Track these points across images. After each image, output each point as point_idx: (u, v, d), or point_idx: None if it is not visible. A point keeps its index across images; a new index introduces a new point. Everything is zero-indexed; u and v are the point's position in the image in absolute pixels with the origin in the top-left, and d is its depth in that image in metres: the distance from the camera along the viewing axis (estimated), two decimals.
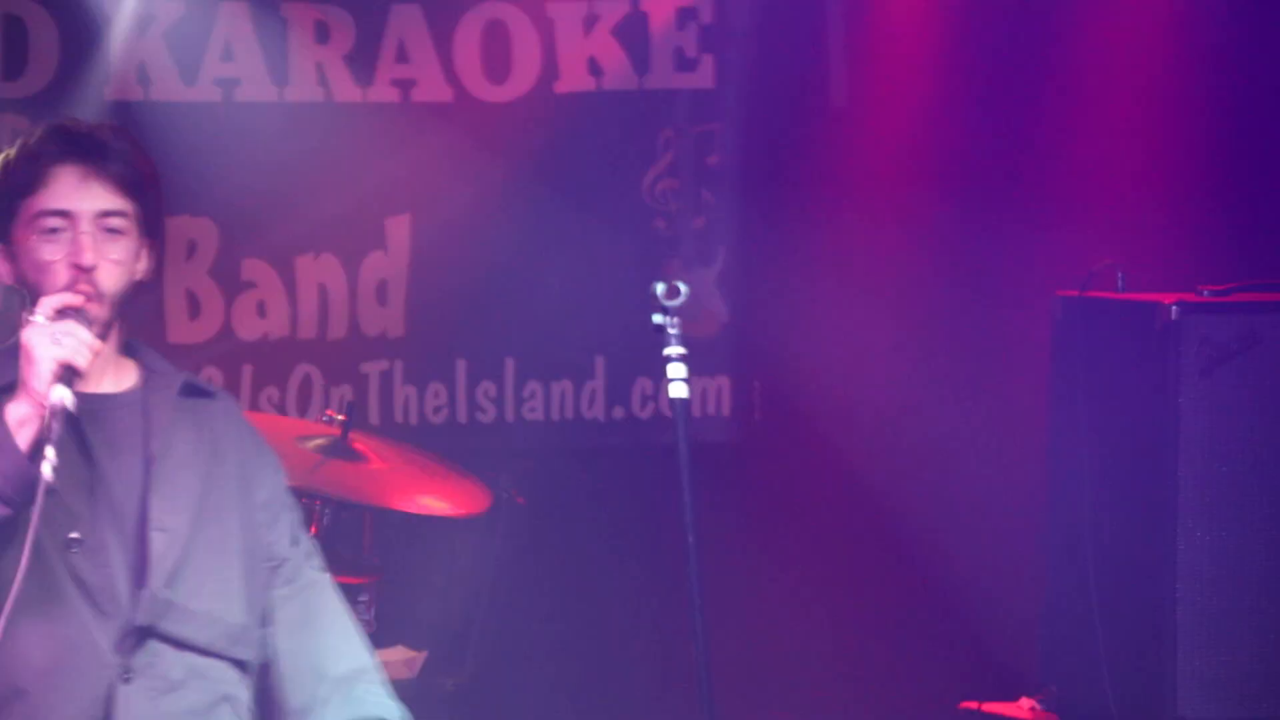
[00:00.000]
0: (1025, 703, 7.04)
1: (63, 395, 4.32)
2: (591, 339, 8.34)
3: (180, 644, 4.40)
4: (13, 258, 4.57)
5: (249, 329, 7.98)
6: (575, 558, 8.43)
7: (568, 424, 8.33)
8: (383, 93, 8.32)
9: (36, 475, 4.19)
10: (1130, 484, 6.92)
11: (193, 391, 4.63)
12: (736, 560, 8.14)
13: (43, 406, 4.30)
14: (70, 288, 4.25)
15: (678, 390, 5.17)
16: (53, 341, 4.35)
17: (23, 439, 4.37)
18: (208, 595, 4.51)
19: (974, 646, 8.04)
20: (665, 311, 4.71)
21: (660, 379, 5.04)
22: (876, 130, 8.96)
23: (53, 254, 4.47)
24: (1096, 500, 7.02)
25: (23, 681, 4.60)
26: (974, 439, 8.54)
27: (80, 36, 8.13)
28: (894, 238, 8.85)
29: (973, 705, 6.95)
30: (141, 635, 4.48)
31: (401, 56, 8.38)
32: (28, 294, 4.61)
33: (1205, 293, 6.98)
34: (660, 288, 5.21)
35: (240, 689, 4.57)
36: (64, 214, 4.47)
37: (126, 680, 4.44)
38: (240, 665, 4.52)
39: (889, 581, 8.56)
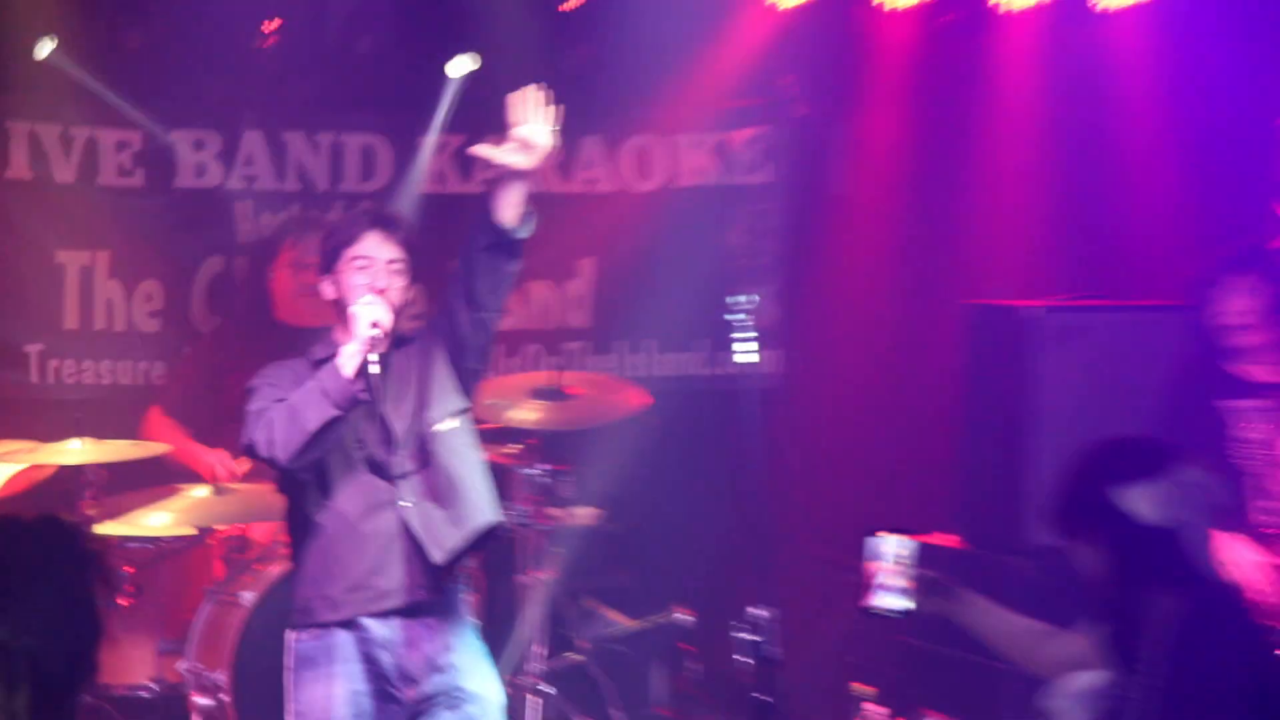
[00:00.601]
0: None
1: (375, 333, 6.57)
2: (697, 325, 10.42)
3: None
4: (335, 284, 6.89)
5: (513, 322, 9.96)
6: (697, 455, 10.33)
7: (686, 378, 10.76)
8: (578, 186, 10.79)
9: (358, 391, 6.59)
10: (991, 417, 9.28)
11: (402, 341, 6.89)
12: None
13: (366, 346, 6.53)
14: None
15: (747, 356, 7.31)
16: (370, 308, 6.58)
17: (349, 369, 6.61)
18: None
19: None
20: (741, 310, 7.33)
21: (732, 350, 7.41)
22: (861, 204, 11.18)
23: (361, 281, 6.77)
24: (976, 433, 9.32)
25: (346, 524, 6.82)
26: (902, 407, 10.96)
27: (405, 155, 10.27)
28: (868, 266, 11.07)
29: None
30: (399, 477, 6.83)
31: (588, 164, 10.92)
32: (339, 308, 6.93)
33: (1062, 301, 9.19)
34: (740, 297, 7.43)
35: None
36: (369, 259, 6.79)
37: (403, 503, 6.80)
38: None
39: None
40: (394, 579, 6.78)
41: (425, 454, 6.89)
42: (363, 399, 6.59)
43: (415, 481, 6.87)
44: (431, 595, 6.84)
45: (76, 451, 8.36)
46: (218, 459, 8.91)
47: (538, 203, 8.52)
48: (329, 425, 6.59)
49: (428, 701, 6.86)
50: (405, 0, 10.41)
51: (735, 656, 7.13)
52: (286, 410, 6.66)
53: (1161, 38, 10.37)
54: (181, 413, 9.20)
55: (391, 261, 6.76)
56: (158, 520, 8.47)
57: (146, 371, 9.96)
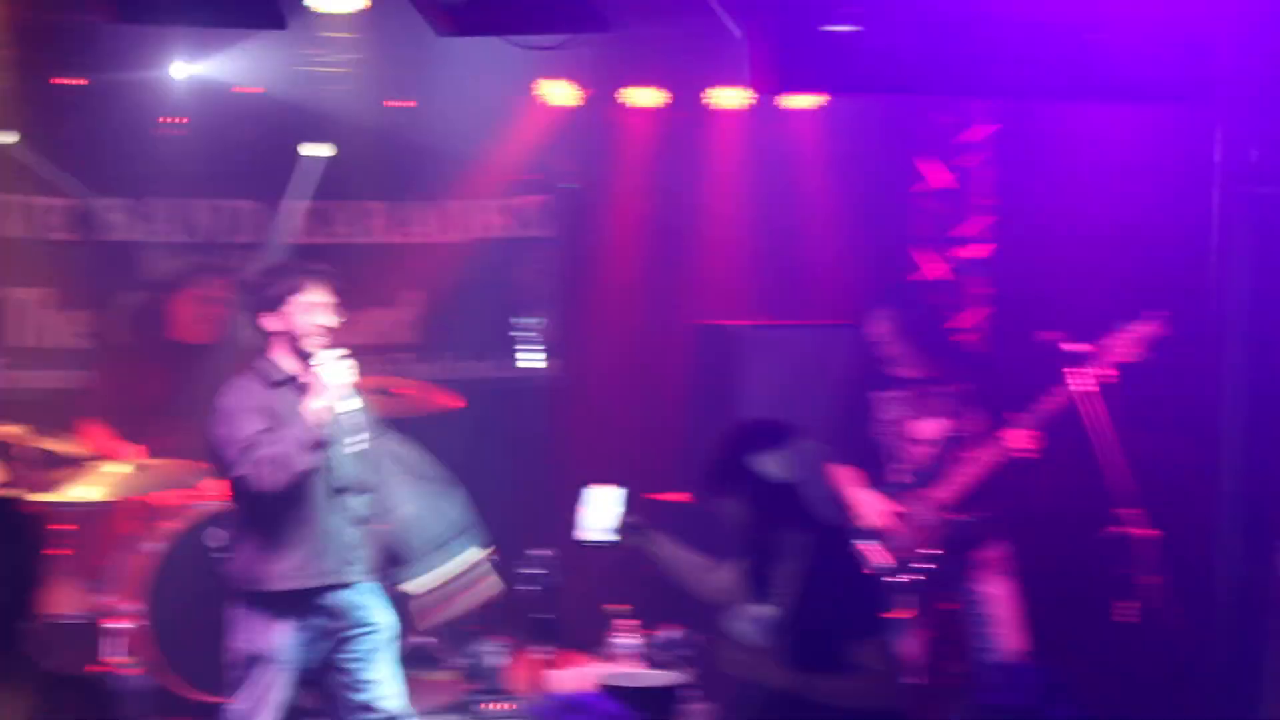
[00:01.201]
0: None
1: (350, 399, 7.42)
2: (496, 340, 11.21)
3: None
4: (281, 319, 7.59)
5: (355, 339, 8.79)
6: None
7: (487, 379, 11.09)
8: (402, 237, 11.58)
9: (322, 440, 7.24)
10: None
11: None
12: None
13: (332, 405, 7.27)
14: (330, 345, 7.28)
15: (533, 362, 8.96)
16: (339, 369, 7.34)
17: (315, 421, 7.24)
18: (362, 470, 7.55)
19: None
20: (529, 329, 8.70)
21: None
22: (615, 251, 12.08)
23: (309, 318, 7.53)
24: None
25: (310, 511, 7.44)
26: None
27: (272, 215, 10.99)
28: (621, 296, 11.98)
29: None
30: (339, 492, 7.52)
31: (411, 221, 11.73)
32: (293, 340, 7.59)
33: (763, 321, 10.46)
34: (529, 319, 9.01)
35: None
36: (313, 303, 7.51)
37: (339, 512, 7.52)
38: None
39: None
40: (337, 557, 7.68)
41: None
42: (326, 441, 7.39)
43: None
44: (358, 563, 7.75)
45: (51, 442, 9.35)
46: (134, 451, 9.58)
47: (376, 251, 10.53)
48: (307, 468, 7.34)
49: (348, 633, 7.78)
50: (272, 103, 10.85)
51: (522, 586, 8.39)
52: (272, 458, 7.33)
53: (831, 129, 11.56)
54: (103, 408, 9.89)
55: (328, 304, 7.66)
56: (85, 491, 9.12)
57: (79, 378, 10.58)
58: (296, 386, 7.56)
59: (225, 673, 7.78)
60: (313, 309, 7.60)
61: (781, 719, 6.19)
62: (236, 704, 7.60)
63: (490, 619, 9.39)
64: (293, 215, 11.11)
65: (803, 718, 6.09)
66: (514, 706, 9.32)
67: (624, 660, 8.82)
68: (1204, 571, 6.75)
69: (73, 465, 9.36)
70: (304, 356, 7.58)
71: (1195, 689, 7.26)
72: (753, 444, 6.17)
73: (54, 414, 9.90)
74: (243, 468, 7.38)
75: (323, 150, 10.93)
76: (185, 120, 10.92)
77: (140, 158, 10.91)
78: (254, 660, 7.59)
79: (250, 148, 11.04)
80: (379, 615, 7.79)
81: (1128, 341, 8.33)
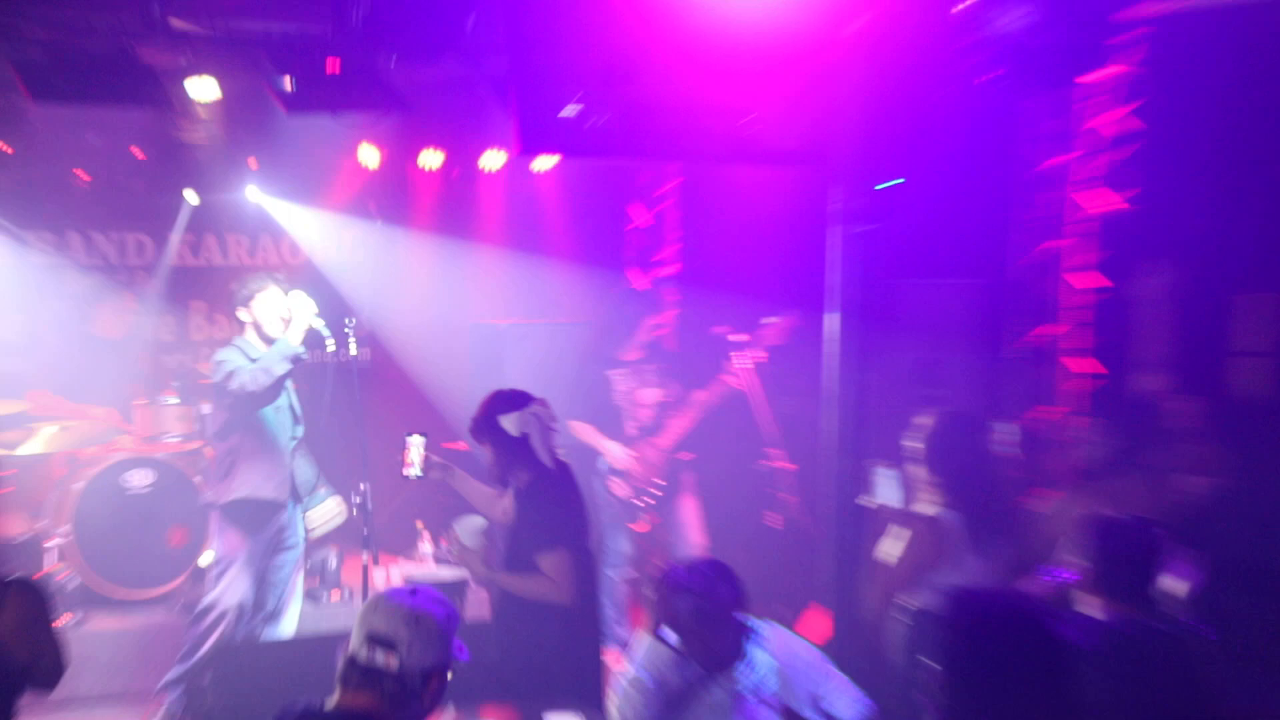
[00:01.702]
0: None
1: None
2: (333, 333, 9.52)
3: None
4: (250, 312, 7.51)
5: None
6: None
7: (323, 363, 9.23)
8: (258, 262, 10.99)
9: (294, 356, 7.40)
10: None
11: None
12: None
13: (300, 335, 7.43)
14: None
15: (355, 350, 7.71)
16: (308, 315, 7.55)
17: (292, 344, 7.36)
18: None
19: None
20: (350, 327, 7.74)
21: None
22: (413, 269, 11.78)
23: (273, 310, 7.48)
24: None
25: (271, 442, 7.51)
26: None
27: (162, 245, 10.68)
28: (420, 302, 11.64)
29: None
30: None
31: (266, 249, 11.18)
32: (256, 326, 7.48)
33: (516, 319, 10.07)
34: (350, 319, 7.83)
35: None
36: (274, 301, 7.41)
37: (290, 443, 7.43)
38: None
39: None
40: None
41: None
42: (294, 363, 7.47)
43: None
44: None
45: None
46: (105, 413, 9.41)
47: (242, 269, 10.13)
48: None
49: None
50: (160, 154, 10.52)
51: (353, 510, 8.09)
52: (261, 369, 7.47)
53: (565, 183, 11.46)
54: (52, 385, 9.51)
55: (284, 300, 7.67)
56: (30, 445, 9.07)
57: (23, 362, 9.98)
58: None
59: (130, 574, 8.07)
60: (275, 302, 7.69)
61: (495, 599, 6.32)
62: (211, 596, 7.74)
63: (332, 535, 9.30)
64: (175, 245, 10.91)
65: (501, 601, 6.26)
66: (345, 594, 9.21)
67: (424, 562, 8.87)
68: (823, 492, 6.73)
69: (22, 426, 9.20)
70: (268, 341, 7.68)
71: (817, 571, 7.27)
72: (498, 407, 6.14)
73: (10, 387, 9.64)
74: (239, 378, 7.51)
75: (195, 197, 10.77)
76: (90, 178, 10.69)
77: (47, 198, 10.61)
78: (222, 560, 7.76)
79: (142, 194, 10.84)
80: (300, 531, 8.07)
81: (771, 333, 8.63)
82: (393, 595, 3.86)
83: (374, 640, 3.73)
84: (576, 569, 6.05)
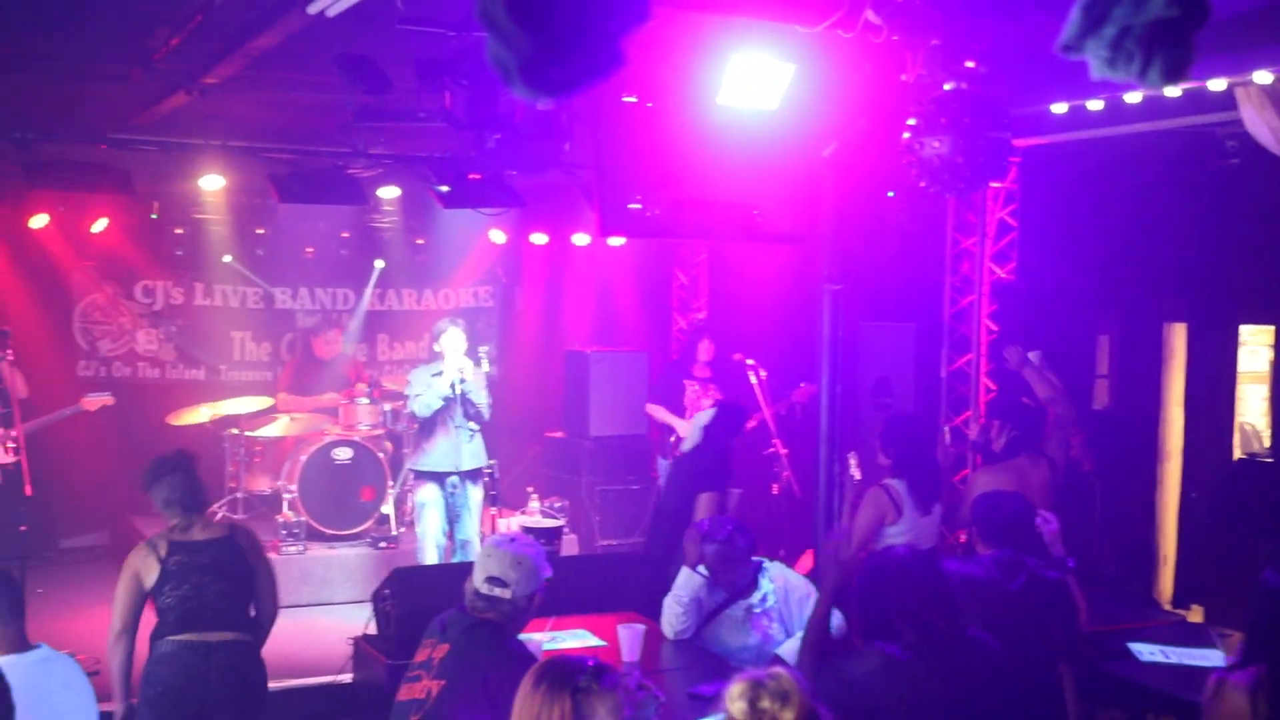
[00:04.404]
0: None
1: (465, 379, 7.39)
2: None
3: None
4: (440, 345, 7.51)
5: None
6: None
7: None
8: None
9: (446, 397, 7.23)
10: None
11: None
12: None
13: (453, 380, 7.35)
14: None
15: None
16: (462, 365, 7.50)
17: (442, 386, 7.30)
18: None
19: None
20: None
21: None
22: (530, 311, 11.33)
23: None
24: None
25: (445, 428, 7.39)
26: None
27: None
28: (532, 336, 11.20)
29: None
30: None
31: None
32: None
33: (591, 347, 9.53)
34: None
35: None
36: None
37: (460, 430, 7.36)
38: None
39: None
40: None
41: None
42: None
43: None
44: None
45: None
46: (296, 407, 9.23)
47: (416, 315, 10.31)
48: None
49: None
50: (359, 236, 10.41)
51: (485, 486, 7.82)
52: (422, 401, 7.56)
53: (632, 255, 10.90)
54: (285, 389, 9.50)
55: (457, 335, 7.65)
56: (272, 429, 9.09)
57: (269, 377, 10.25)
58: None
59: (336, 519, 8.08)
60: (451, 339, 7.69)
61: None
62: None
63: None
64: (368, 295, 10.66)
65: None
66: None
67: (532, 514, 8.49)
68: (812, 468, 6.71)
69: (269, 416, 9.25)
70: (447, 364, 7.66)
71: (806, 528, 7.22)
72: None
73: (257, 390, 9.79)
74: (413, 404, 7.68)
75: (381, 263, 10.53)
76: (313, 251, 10.60)
77: (286, 264, 10.54)
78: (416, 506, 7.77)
79: (345, 259, 10.69)
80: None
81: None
82: (499, 544, 3.86)
83: (492, 580, 3.75)
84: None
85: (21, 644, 3.25)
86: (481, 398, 7.53)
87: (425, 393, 7.55)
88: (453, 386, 7.43)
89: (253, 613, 4.70)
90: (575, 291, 11.23)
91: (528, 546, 3.83)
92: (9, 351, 7.58)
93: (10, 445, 7.37)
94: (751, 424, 7.75)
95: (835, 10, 4.81)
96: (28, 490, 7.09)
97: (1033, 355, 6.11)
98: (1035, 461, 5.78)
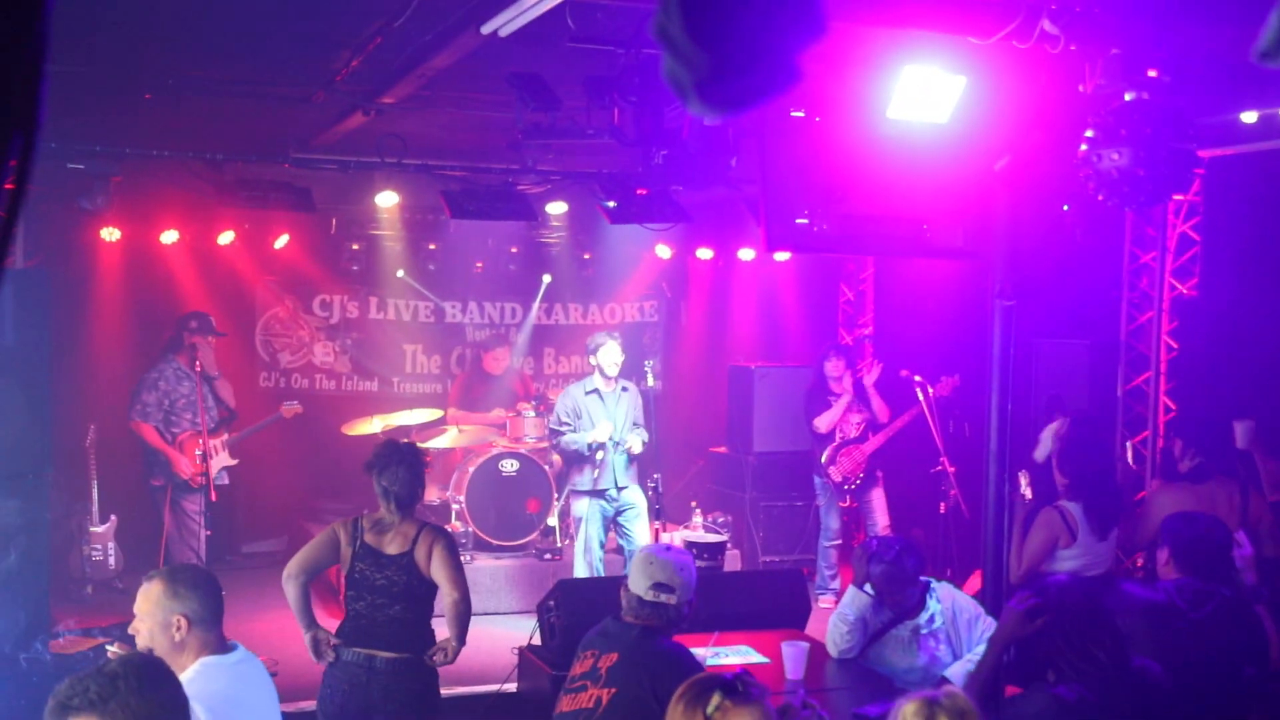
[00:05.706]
0: None
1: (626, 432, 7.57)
2: None
3: None
4: (597, 359, 7.53)
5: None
6: None
7: None
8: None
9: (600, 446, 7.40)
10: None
11: None
12: None
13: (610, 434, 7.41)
14: None
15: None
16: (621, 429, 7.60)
17: (598, 437, 7.41)
18: None
19: None
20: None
21: None
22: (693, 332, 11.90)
23: None
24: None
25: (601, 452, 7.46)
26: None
27: None
28: (696, 354, 11.37)
29: None
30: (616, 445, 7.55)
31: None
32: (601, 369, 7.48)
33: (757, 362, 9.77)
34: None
35: None
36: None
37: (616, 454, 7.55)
38: None
39: None
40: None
41: None
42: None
43: None
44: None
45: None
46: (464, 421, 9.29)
47: (578, 329, 10.30)
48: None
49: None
50: (527, 251, 10.56)
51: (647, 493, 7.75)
52: (572, 447, 7.69)
53: (797, 270, 10.94)
54: (455, 402, 9.63)
55: (616, 349, 7.84)
56: (440, 440, 8.89)
57: (440, 389, 10.49)
58: (599, 396, 7.77)
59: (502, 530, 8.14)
60: (609, 353, 7.86)
61: None
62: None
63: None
64: (535, 309, 10.85)
65: None
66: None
67: (695, 529, 8.50)
68: (979, 489, 6.57)
69: (439, 428, 9.24)
70: (606, 378, 7.83)
71: (974, 548, 7.00)
72: None
73: (427, 402, 9.81)
74: (559, 438, 7.77)
75: (549, 278, 10.71)
76: (482, 266, 10.81)
77: (457, 278, 10.65)
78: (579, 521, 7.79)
79: (513, 274, 10.85)
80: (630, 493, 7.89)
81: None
82: (657, 552, 3.96)
83: (658, 586, 3.83)
84: None
85: (223, 645, 3.40)
86: (639, 448, 7.64)
87: (576, 438, 7.65)
88: (603, 446, 7.58)
89: (429, 628, 4.79)
90: (740, 306, 11.21)
91: (684, 554, 3.94)
92: (210, 339, 7.84)
93: (223, 450, 7.88)
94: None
95: (1010, 21, 4.72)
96: (213, 496, 7.46)
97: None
98: (1225, 485, 5.56)
